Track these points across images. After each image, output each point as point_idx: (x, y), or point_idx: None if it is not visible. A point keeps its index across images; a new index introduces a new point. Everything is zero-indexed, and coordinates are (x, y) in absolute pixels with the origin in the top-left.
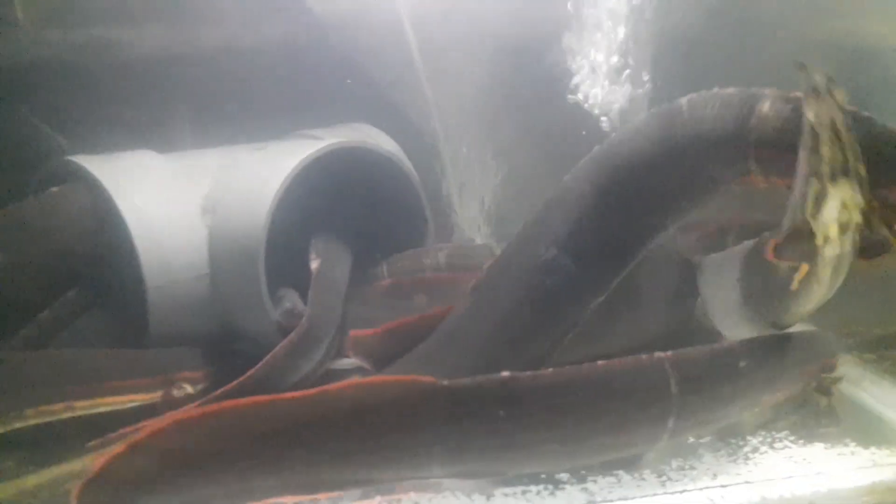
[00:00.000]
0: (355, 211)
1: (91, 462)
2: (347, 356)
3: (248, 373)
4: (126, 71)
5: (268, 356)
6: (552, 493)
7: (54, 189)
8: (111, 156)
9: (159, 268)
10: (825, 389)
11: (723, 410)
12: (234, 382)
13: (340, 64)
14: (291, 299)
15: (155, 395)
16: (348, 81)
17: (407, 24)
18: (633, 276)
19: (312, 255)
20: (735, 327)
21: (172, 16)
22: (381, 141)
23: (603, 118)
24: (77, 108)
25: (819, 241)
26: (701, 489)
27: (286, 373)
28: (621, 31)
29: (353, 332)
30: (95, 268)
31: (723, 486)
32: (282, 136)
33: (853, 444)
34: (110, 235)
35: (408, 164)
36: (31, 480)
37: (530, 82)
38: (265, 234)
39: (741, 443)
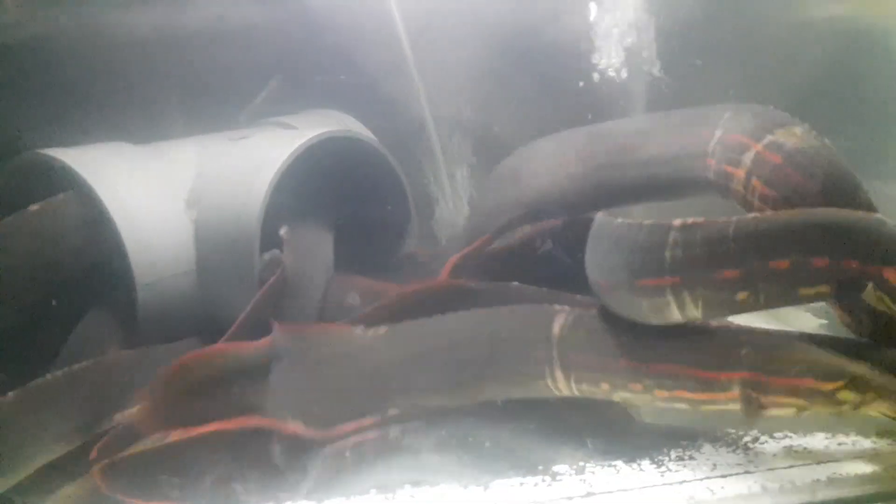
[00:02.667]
0: (339, 200)
1: None
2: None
3: (235, 323)
4: (114, 55)
5: (251, 303)
6: (549, 485)
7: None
8: (85, 148)
9: (148, 265)
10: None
11: None
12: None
13: (329, 49)
14: (273, 254)
15: None
16: (342, 77)
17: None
18: None
19: (285, 233)
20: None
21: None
22: (354, 127)
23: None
24: (63, 94)
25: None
26: (700, 479)
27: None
28: (625, 15)
29: None
30: (84, 268)
31: (723, 477)
32: (249, 123)
33: (854, 433)
34: (97, 233)
35: (389, 154)
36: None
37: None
38: (259, 226)
39: (741, 433)
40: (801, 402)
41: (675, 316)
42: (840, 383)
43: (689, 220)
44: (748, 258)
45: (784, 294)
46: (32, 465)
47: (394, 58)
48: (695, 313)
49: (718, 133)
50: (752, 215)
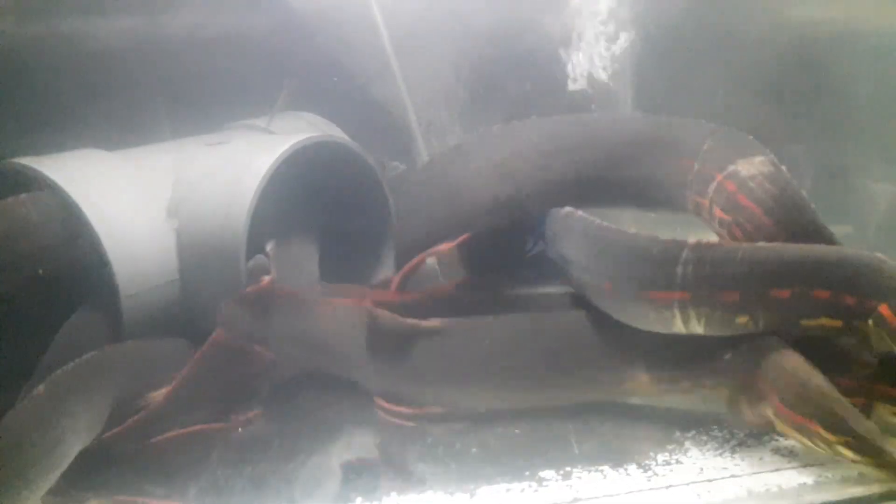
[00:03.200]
0: (321, 207)
1: None
2: None
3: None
4: (85, 64)
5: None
6: (536, 491)
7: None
8: (59, 156)
9: (132, 275)
10: None
11: None
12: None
13: (316, 54)
14: (258, 260)
15: None
16: (335, 79)
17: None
18: None
19: (269, 246)
20: None
21: (138, 5)
22: (329, 130)
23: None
24: (33, 103)
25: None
26: (687, 484)
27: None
28: (604, 9)
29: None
30: (61, 279)
31: (709, 481)
32: (221, 126)
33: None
34: (77, 243)
35: (370, 157)
36: None
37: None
38: (245, 234)
39: (727, 436)
40: (803, 438)
41: (678, 328)
42: (843, 439)
43: (704, 241)
44: (751, 283)
45: (784, 322)
46: (71, 456)
47: (379, 62)
48: (697, 329)
49: (697, 166)
50: (762, 243)
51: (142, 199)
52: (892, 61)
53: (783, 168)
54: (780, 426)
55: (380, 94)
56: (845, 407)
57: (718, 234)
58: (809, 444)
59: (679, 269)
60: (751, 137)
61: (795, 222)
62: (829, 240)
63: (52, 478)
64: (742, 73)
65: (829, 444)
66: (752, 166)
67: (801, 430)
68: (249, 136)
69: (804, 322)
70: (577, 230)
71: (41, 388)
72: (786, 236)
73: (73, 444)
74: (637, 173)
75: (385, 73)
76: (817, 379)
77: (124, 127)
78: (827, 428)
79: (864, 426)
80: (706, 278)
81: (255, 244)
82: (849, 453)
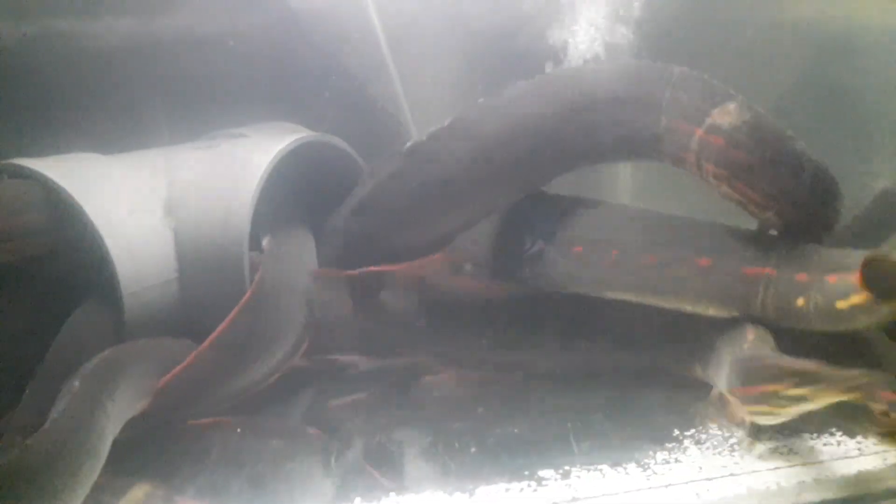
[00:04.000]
0: (314, 206)
1: None
2: None
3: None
4: (83, 65)
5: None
6: (535, 490)
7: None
8: (58, 158)
9: (133, 274)
10: None
11: None
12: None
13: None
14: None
15: None
16: (332, 77)
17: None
18: None
19: (265, 241)
20: None
21: (136, 6)
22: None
23: None
24: (31, 105)
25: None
26: (686, 483)
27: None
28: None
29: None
30: (60, 276)
31: (708, 479)
32: (207, 134)
33: (839, 433)
34: (78, 241)
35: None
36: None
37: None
38: (247, 232)
39: (727, 435)
40: (770, 408)
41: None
42: (805, 388)
43: None
44: None
45: None
46: (108, 449)
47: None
48: None
49: (664, 120)
50: None
51: (139, 199)
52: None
53: (756, 108)
54: (742, 410)
55: (378, 93)
56: (794, 361)
57: (716, 188)
58: (780, 411)
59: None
60: (710, 79)
61: (791, 160)
62: (816, 165)
63: (97, 472)
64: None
65: (796, 399)
66: (730, 115)
67: (762, 399)
68: (235, 140)
69: None
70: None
71: (75, 384)
72: (780, 175)
73: (110, 437)
74: (603, 137)
75: (384, 71)
76: (764, 352)
77: (120, 130)
78: (784, 381)
79: (817, 365)
80: None
81: (251, 241)
82: (821, 395)
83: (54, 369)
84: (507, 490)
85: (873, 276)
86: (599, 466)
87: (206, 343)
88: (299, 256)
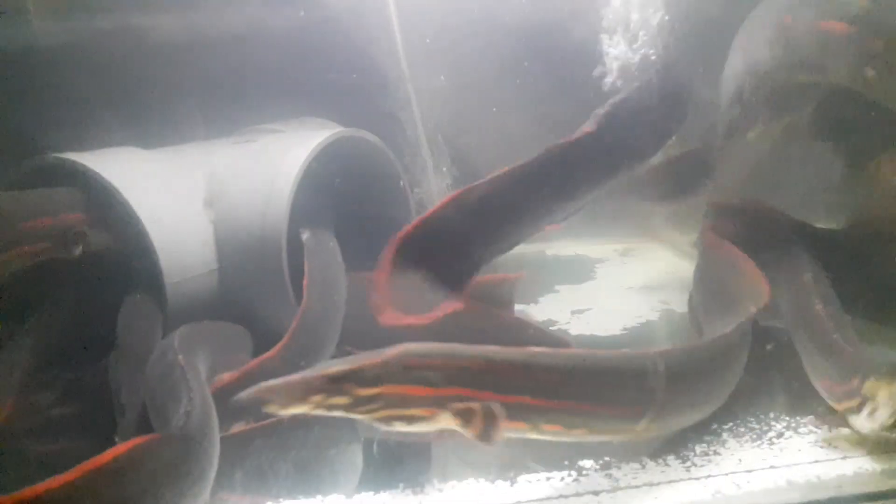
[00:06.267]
0: (344, 199)
1: None
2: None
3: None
4: (137, 61)
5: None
6: (576, 480)
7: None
8: (101, 152)
9: (175, 264)
10: None
11: None
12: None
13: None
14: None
15: None
16: (354, 76)
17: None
18: None
19: (305, 235)
20: None
21: (183, 3)
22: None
23: None
24: (85, 100)
25: None
26: (726, 474)
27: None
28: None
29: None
30: (106, 266)
31: (748, 471)
32: (235, 130)
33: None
34: (123, 233)
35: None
36: None
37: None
38: (286, 223)
39: (765, 427)
40: None
41: None
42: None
43: None
44: None
45: None
46: None
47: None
48: None
49: None
50: None
51: (180, 192)
52: None
53: None
54: None
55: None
56: None
57: None
58: None
59: None
60: None
61: None
62: None
63: None
64: None
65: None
66: None
67: None
68: (277, 135)
69: None
70: None
71: (178, 357)
72: None
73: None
74: None
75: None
76: None
77: (160, 126)
78: None
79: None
80: None
81: (288, 233)
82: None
83: (125, 350)
84: (549, 479)
85: None
86: (640, 458)
87: (275, 350)
88: (334, 249)
